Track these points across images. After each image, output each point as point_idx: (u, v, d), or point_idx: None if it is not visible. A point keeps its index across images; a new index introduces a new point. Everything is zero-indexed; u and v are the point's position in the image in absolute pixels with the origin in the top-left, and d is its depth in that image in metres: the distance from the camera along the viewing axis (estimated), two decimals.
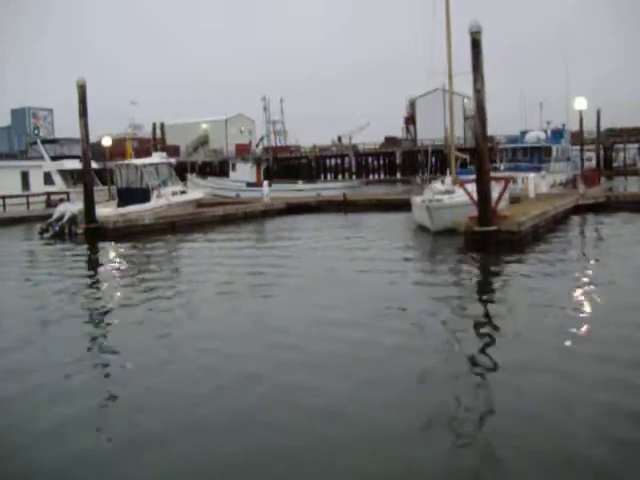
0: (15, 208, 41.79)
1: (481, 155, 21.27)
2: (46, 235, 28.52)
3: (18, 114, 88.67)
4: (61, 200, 41.74)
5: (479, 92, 20.65)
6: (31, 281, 17.86)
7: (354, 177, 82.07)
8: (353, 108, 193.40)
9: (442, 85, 46.20)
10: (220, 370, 9.00)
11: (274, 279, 16.29)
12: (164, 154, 38.29)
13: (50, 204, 44.10)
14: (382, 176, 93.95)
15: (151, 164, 33.62)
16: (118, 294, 15.37)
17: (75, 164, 52.64)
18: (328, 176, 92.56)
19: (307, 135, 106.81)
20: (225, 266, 19.00)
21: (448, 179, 29.50)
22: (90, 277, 18.85)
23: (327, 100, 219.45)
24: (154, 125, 63.74)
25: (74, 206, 29.58)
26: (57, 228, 28.50)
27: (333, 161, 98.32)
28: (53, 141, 56.06)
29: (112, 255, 23.35)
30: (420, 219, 25.48)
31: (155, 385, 8.51)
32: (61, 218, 29.00)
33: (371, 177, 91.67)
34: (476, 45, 20.73)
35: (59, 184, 49.26)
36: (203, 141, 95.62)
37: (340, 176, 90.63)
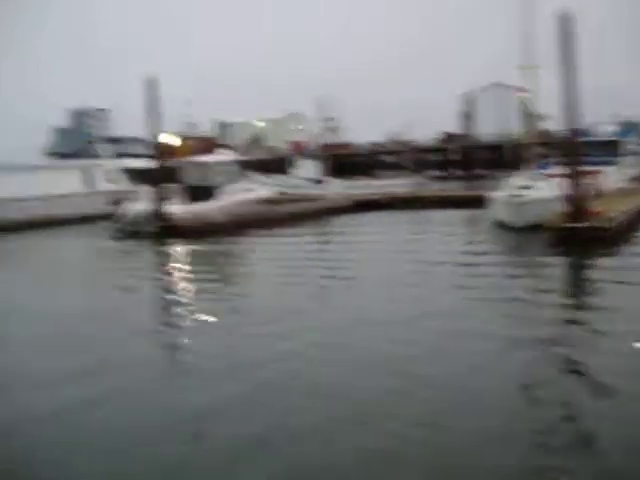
0: (78, 207, 41.84)
1: (573, 149, 20.36)
2: (118, 234, 28.31)
3: (76, 115, 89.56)
4: (124, 199, 41.72)
5: (569, 85, 19.64)
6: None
7: (414, 174, 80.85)
8: (396, 102, 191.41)
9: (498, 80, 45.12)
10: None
11: (370, 273, 15.65)
12: (230, 152, 37.84)
13: (113, 202, 44.08)
14: (442, 172, 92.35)
15: (218, 162, 33.12)
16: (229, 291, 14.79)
17: (137, 162, 52.76)
18: (384, 173, 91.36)
19: (355, 131, 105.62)
20: (313, 260, 18.49)
21: (525, 174, 28.36)
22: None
23: (369, 95, 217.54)
24: (212, 124, 63.72)
25: (144, 205, 29.25)
26: (129, 227, 28.21)
27: (389, 158, 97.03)
28: (114, 140, 56.19)
29: (193, 252, 23.22)
30: (501, 215, 24.48)
31: None
32: (131, 217, 28.75)
33: (431, 173, 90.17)
34: (566, 34, 19.64)
35: (121, 183, 49.21)
36: (258, 139, 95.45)
37: (397, 173, 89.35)
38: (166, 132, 30.46)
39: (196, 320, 12.12)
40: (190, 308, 13.26)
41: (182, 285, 17.00)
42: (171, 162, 31.79)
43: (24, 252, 26.23)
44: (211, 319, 11.99)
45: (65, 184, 43.27)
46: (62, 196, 41.53)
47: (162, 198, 27.77)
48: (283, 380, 8.33)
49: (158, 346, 10.76)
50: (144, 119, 28.55)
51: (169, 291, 16.10)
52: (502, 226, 23.83)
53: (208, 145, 60.40)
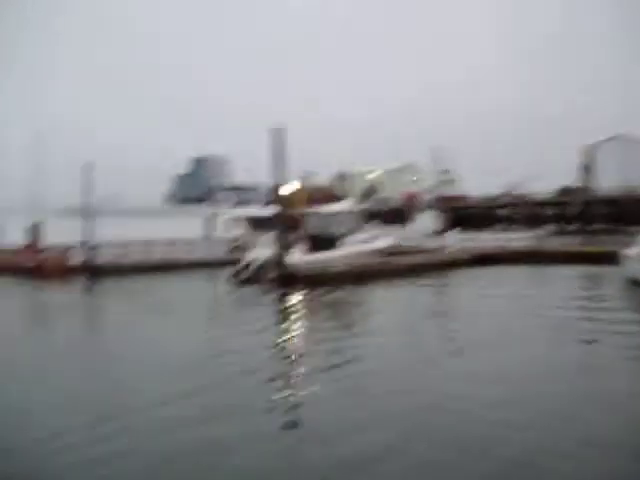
0: (199, 252, 42.96)
1: None
2: (236, 280, 28.74)
3: (198, 162, 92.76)
4: (243, 246, 42.53)
5: None
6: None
7: (530, 228, 78.89)
8: (511, 154, 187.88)
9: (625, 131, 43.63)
10: None
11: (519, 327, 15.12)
12: (350, 202, 38.11)
13: (233, 249, 45.04)
14: (558, 226, 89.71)
15: (339, 211, 33.34)
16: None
17: (256, 210, 53.98)
18: (500, 226, 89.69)
19: (471, 184, 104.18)
20: (432, 318, 18.05)
21: None
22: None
23: (485, 146, 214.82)
24: (331, 174, 64.65)
25: (264, 252, 29.64)
26: (248, 274, 28.61)
27: (504, 211, 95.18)
28: (235, 188, 57.71)
29: (316, 300, 23.25)
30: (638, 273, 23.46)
31: None
32: (252, 264, 29.17)
33: (547, 228, 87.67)
34: None
35: (241, 230, 50.30)
36: (374, 189, 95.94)
37: (513, 226, 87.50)
38: (289, 181, 30.90)
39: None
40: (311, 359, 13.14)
41: (304, 333, 16.95)
42: (292, 211, 32.19)
43: (150, 294, 26.99)
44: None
45: (187, 229, 44.65)
46: (184, 241, 42.77)
47: (283, 246, 28.04)
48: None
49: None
50: (268, 167, 29.06)
51: (293, 337, 16.10)
52: (638, 284, 22.87)
53: (325, 195, 61.24)
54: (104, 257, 38.55)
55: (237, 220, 51.09)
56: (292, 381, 11.82)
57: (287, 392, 10.99)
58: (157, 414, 9.52)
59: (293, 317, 20.11)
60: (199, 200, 60.82)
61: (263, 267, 28.58)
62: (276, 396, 10.58)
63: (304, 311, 21.33)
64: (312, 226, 32.32)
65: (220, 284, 29.47)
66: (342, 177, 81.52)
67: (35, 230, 42.01)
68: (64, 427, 8.99)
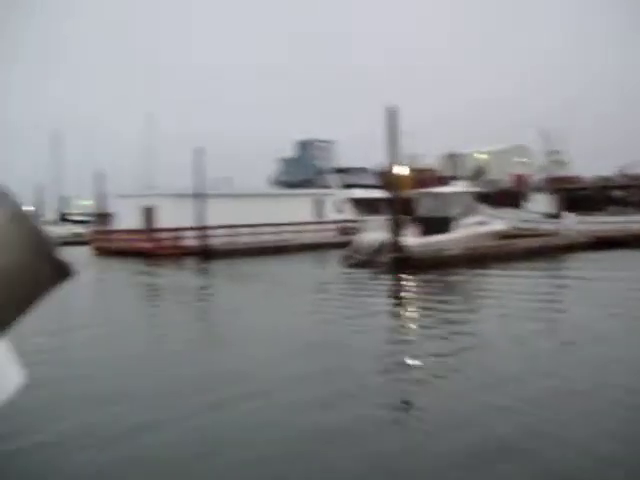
0: (308, 235, 43.16)
1: None
2: (351, 263, 28.49)
3: (303, 146, 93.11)
4: (352, 228, 42.50)
5: None
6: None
7: None
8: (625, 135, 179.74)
9: None
10: None
11: None
12: (465, 183, 37.32)
13: (342, 232, 45.08)
14: None
15: (453, 193, 32.60)
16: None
17: (364, 193, 53.73)
18: (614, 209, 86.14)
19: (582, 164, 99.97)
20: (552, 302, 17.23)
21: None
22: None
23: (597, 126, 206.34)
24: (439, 156, 63.48)
25: (376, 235, 29.27)
26: (363, 256, 28.30)
27: (619, 192, 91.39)
28: (342, 170, 57.55)
29: (431, 283, 22.79)
30: None
31: None
32: (364, 247, 28.84)
33: None
34: None
35: (349, 213, 50.27)
36: (482, 171, 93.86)
37: (628, 209, 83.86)
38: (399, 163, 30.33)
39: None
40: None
41: (428, 313, 16.49)
42: (404, 193, 31.69)
43: (265, 276, 27.12)
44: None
45: (297, 212, 44.86)
46: (294, 224, 42.99)
47: (396, 229, 27.60)
48: None
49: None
50: (375, 149, 28.71)
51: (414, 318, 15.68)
52: None
53: (431, 177, 60.31)
54: (216, 240, 39.21)
55: (346, 202, 51.01)
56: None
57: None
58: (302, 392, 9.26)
59: (414, 300, 19.73)
60: (305, 183, 60.85)
61: (377, 250, 28.21)
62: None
63: (423, 295, 20.90)
64: (425, 208, 31.74)
65: (331, 267, 29.33)
66: (451, 158, 79.97)
67: (148, 214, 43.14)
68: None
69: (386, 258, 27.19)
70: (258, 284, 24.42)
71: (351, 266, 28.04)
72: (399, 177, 30.61)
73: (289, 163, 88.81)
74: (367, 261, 27.91)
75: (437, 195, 32.38)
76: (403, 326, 15.54)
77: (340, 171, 57.50)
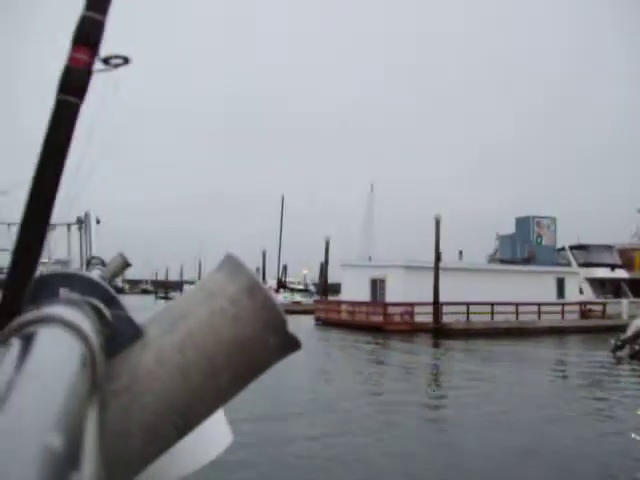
0: (549, 317, 39.69)
1: None
2: (620, 353, 24.91)
3: (522, 222, 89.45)
4: (594, 310, 38.92)
5: None
6: None
7: None
8: None
9: None
10: None
11: None
12: None
13: (583, 315, 41.28)
14: None
15: None
16: None
17: (605, 272, 49.16)
18: None
19: None
20: None
21: None
22: None
23: None
24: None
25: None
26: (637, 346, 24.62)
27: None
28: (580, 247, 53.49)
29: None
30: None
31: None
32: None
33: None
34: None
35: (587, 293, 46.22)
36: None
37: None
38: None
39: None
40: None
41: None
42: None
43: (515, 360, 24.29)
44: None
45: (538, 291, 41.58)
46: (535, 304, 39.74)
47: None
48: None
49: None
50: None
51: None
52: None
53: None
54: (448, 316, 36.85)
55: (584, 281, 47.00)
56: None
57: None
58: None
59: None
60: (525, 260, 57.09)
61: None
62: None
63: None
64: None
65: (600, 353, 25.84)
66: None
67: (378, 285, 41.69)
68: None
69: None
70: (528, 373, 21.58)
71: (624, 357, 24.42)
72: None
73: (506, 240, 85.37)
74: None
75: None
76: None
77: (578, 247, 53.36)
